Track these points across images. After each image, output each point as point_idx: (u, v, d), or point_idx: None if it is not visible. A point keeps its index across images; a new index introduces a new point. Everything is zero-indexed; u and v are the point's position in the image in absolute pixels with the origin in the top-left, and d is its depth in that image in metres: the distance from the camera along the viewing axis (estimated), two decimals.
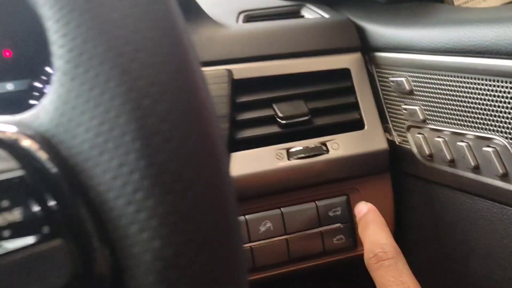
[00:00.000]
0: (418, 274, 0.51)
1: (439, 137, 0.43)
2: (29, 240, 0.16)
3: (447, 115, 0.42)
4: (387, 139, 0.49)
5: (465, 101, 0.39)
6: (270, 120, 0.48)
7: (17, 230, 0.16)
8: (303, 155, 0.46)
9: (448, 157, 0.42)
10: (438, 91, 0.42)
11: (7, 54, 0.58)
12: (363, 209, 0.44)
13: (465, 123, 0.40)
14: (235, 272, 0.16)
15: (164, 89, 0.16)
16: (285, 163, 0.46)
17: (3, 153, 0.17)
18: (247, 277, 0.17)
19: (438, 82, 0.42)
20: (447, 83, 0.41)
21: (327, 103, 0.49)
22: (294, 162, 0.46)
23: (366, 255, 0.39)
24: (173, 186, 0.16)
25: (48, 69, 0.57)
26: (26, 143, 0.17)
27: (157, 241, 0.15)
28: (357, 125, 0.49)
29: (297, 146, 0.47)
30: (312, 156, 0.47)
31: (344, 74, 0.50)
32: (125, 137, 0.16)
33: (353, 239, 0.49)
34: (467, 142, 0.40)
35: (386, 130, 0.50)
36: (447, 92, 0.41)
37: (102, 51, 0.17)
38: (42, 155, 0.17)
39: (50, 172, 0.16)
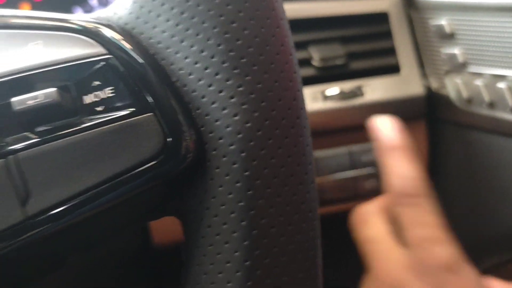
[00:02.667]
0: (454, 220, 0.53)
1: (478, 80, 0.44)
2: (121, 113, 0.18)
3: (488, 57, 0.43)
4: (424, 84, 0.51)
5: (508, 42, 0.40)
6: (306, 62, 0.49)
7: (109, 105, 0.18)
8: (338, 98, 0.48)
9: (487, 99, 0.43)
10: (481, 33, 0.43)
11: None
12: (387, 127, 0.37)
13: (506, 64, 0.41)
14: (302, 149, 0.19)
15: None
16: (320, 105, 0.48)
17: (90, 40, 0.19)
18: (312, 161, 0.19)
19: (481, 24, 0.43)
20: (491, 24, 0.42)
21: (364, 47, 0.50)
22: (330, 104, 0.48)
23: (391, 189, 0.35)
24: (251, 68, 0.18)
25: (76, 11, 0.59)
26: (110, 32, 0.19)
27: (238, 116, 0.18)
28: (394, 69, 0.50)
29: (332, 88, 0.49)
30: (348, 98, 0.48)
31: (382, 17, 0.51)
32: (205, 24, 0.18)
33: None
34: (507, 84, 0.41)
35: (423, 75, 0.51)
36: (490, 34, 0.42)
37: None
38: (125, 44, 0.19)
39: (134, 58, 0.19)
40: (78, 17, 0.20)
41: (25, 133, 0.18)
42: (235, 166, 0.18)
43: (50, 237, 0.18)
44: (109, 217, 0.19)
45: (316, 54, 0.49)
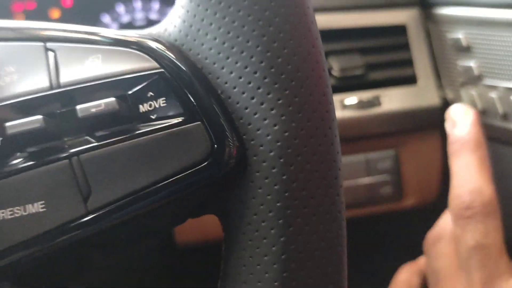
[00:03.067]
0: None
1: (492, 92, 0.46)
2: (172, 122, 0.20)
3: (503, 71, 0.45)
4: (440, 95, 0.53)
5: None
6: None
7: (162, 114, 0.21)
8: (357, 107, 0.50)
9: (501, 112, 0.45)
10: (496, 47, 0.45)
11: (68, 3, 0.63)
12: (461, 122, 0.36)
13: None
14: (333, 156, 0.21)
15: (281, 4, 0.21)
16: (339, 113, 0.50)
17: (144, 55, 0.21)
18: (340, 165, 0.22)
19: (497, 38, 0.45)
20: (507, 39, 0.44)
21: (381, 58, 0.52)
22: (348, 113, 0.50)
23: (451, 199, 0.35)
24: (289, 83, 0.20)
25: (104, 18, 0.62)
26: (162, 47, 0.22)
27: (277, 126, 0.20)
28: (411, 80, 0.52)
29: (351, 97, 0.51)
30: (365, 108, 0.51)
31: (400, 30, 0.53)
32: (249, 43, 0.20)
33: (399, 191, 0.53)
34: None
35: (439, 86, 0.53)
36: (505, 48, 0.44)
37: None
38: (175, 59, 0.21)
39: (183, 72, 0.21)
40: (132, 33, 0.23)
41: (86, 137, 0.21)
42: (274, 170, 0.20)
43: (105, 232, 0.21)
44: (157, 215, 0.21)
45: (335, 64, 0.51)
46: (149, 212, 0.20)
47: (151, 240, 0.24)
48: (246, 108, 0.20)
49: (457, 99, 0.51)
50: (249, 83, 0.20)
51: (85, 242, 0.21)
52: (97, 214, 0.20)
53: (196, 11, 0.22)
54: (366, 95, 0.51)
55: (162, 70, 0.21)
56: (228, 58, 0.21)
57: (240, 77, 0.21)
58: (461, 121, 0.38)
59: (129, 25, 0.63)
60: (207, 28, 0.21)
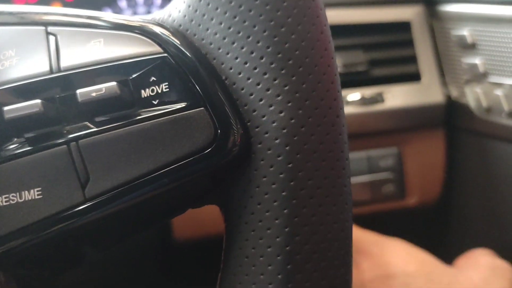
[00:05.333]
0: (467, 227, 0.54)
1: (498, 90, 0.46)
2: (175, 107, 0.20)
3: (509, 68, 0.44)
4: (444, 93, 0.52)
5: None
6: None
7: (164, 99, 0.20)
8: (359, 103, 0.50)
9: (506, 109, 0.45)
10: (502, 44, 0.45)
11: None
12: None
13: None
14: (341, 145, 0.20)
15: None
16: None
17: (147, 40, 0.21)
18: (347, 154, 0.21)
19: (503, 35, 0.44)
20: None
21: (385, 54, 0.52)
22: (351, 109, 0.50)
23: None
24: (297, 70, 0.19)
25: (106, 10, 0.61)
26: (166, 32, 0.21)
27: (283, 113, 0.19)
28: (415, 77, 0.52)
29: (354, 94, 0.50)
30: (368, 104, 0.50)
31: (404, 26, 0.53)
32: (256, 28, 0.20)
33: (402, 190, 0.52)
34: None
35: (443, 84, 0.52)
36: (511, 45, 0.44)
37: None
38: (180, 44, 0.21)
39: (187, 57, 0.20)
40: (135, 17, 0.22)
41: (86, 123, 0.20)
42: (279, 158, 0.19)
43: (102, 220, 0.20)
44: (157, 204, 0.21)
45: (338, 60, 0.51)
46: (149, 200, 0.20)
47: (148, 231, 0.23)
48: (251, 95, 0.20)
49: (462, 97, 0.51)
50: (255, 68, 0.20)
51: (82, 230, 0.20)
52: (95, 201, 0.19)
53: None
54: (369, 91, 0.51)
55: (166, 54, 0.20)
56: (233, 43, 0.20)
57: (246, 63, 0.20)
58: None
59: None
60: (213, 12, 0.21)
